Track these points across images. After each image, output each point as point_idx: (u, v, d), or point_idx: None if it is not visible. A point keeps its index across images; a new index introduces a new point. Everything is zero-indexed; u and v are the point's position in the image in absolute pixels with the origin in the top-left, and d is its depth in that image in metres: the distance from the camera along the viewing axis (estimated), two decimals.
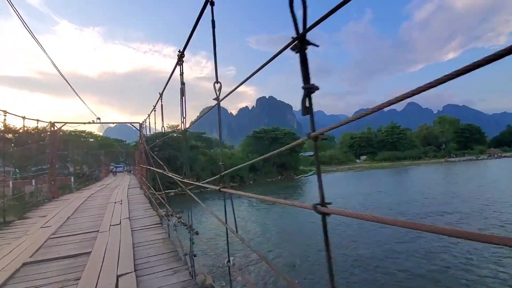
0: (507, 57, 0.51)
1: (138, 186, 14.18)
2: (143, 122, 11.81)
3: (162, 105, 7.27)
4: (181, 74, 3.71)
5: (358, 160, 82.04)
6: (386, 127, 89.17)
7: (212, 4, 2.22)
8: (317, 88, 1.04)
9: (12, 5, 5.61)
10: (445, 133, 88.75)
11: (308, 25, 1.04)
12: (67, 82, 10.30)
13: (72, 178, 30.01)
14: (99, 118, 14.37)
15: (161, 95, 7.03)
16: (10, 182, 23.97)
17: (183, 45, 3.34)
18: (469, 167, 55.92)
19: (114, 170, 34.05)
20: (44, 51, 7.31)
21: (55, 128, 10.31)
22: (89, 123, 10.97)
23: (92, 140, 38.14)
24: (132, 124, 11.80)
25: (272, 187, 41.44)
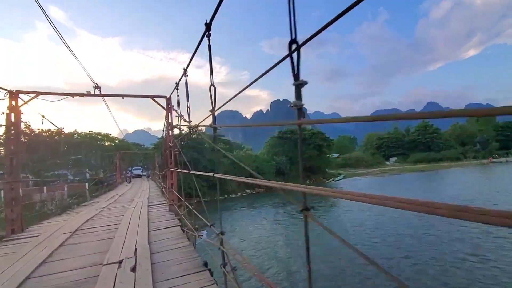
0: None
1: (164, 201, 10.57)
2: (170, 97, 8.14)
3: (187, 84, 5.09)
4: (209, 47, 2.95)
5: (387, 162, 76.09)
6: (418, 126, 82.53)
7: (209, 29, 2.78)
8: (306, 83, 1.33)
9: (47, 16, 5.37)
10: (483, 131, 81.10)
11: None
12: (93, 81, 7.79)
13: (87, 184, 27.31)
14: (99, 88, 8.77)
15: (185, 70, 5.25)
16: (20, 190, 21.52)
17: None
18: None
19: (129, 175, 30.57)
20: (77, 59, 6.99)
21: (18, 102, 6.44)
22: (81, 95, 7.38)
23: (108, 143, 35.48)
24: (155, 99, 8.10)
25: (299, 193, 37.04)
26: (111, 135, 35.31)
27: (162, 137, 19.11)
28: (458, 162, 67.20)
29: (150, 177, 37.84)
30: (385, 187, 37.02)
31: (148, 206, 9.37)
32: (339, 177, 50.84)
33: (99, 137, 33.29)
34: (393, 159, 78.04)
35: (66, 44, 6.24)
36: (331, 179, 48.93)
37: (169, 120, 7.91)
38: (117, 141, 35.66)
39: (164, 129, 8.49)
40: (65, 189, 25.39)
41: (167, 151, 7.91)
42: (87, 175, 34.36)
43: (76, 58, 6.95)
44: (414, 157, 72.13)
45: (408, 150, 77.64)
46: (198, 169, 34.55)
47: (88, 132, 33.62)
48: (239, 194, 37.21)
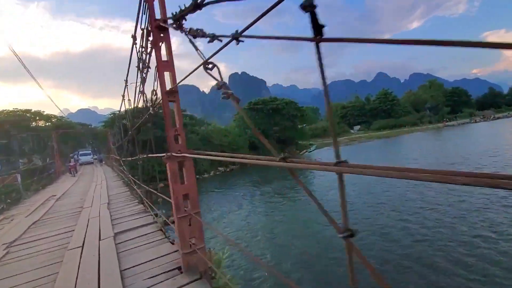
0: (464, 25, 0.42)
1: (135, 200, 6.57)
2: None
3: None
4: None
5: (352, 131, 77.68)
6: (378, 95, 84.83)
7: None
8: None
9: None
10: (434, 97, 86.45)
11: None
12: (19, 59, 7.83)
13: (19, 176, 21.44)
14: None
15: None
16: None
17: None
18: (472, 129, 53.01)
19: (73, 163, 23.94)
20: None
21: None
22: None
23: (43, 122, 28.17)
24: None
25: (275, 169, 34.46)
26: (45, 113, 27.84)
27: (119, 111, 14.19)
28: (416, 127, 70.84)
29: (103, 161, 31.91)
30: (359, 154, 36.28)
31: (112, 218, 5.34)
32: (311, 148, 49.57)
33: (28, 115, 25.88)
34: (357, 127, 79.87)
35: None
36: (304, 150, 47.38)
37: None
38: (54, 120, 28.42)
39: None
40: None
41: None
42: (19, 164, 27.33)
43: None
44: (376, 124, 74.31)
45: (371, 118, 79.83)
46: (164, 149, 29.65)
47: (13, 110, 26.06)
48: (211, 173, 33.45)
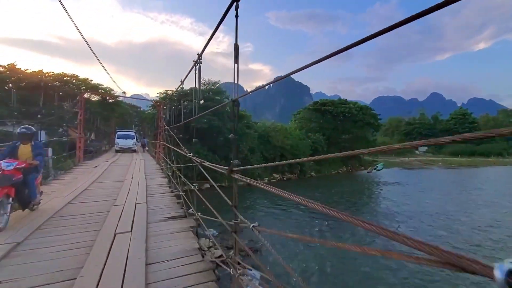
0: None
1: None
2: None
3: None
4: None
5: (417, 151, 66.96)
6: (454, 114, 72.61)
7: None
8: None
9: None
10: None
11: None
12: (90, 49, 7.65)
13: (50, 150, 17.51)
14: (124, 92, 13.79)
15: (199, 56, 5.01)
16: None
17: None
18: None
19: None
20: (69, 15, 6.27)
21: None
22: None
23: (89, 94, 24.45)
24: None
25: (337, 185, 27.41)
26: (92, 81, 23.99)
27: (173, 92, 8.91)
28: (502, 158, 58.28)
29: (146, 147, 27.54)
30: (466, 184, 27.69)
31: None
32: (379, 167, 41.33)
33: (74, 81, 22.13)
34: (423, 148, 68.80)
35: (61, 2, 5.63)
36: (371, 168, 39.40)
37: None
38: (102, 91, 24.58)
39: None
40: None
41: None
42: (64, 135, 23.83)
43: (70, 18, 6.32)
44: (451, 148, 62.80)
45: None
46: (218, 142, 24.57)
47: (60, 73, 22.64)
48: (266, 179, 27.58)
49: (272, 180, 28.02)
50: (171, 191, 6.01)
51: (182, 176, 5.66)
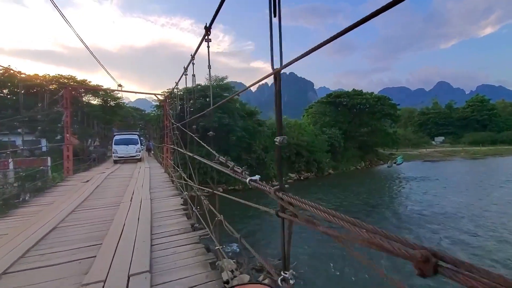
0: None
1: None
2: None
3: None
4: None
5: (433, 142, 64.02)
6: (470, 101, 69.18)
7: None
8: None
9: None
10: None
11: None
12: (90, 52, 8.70)
13: (49, 160, 16.39)
14: (120, 85, 13.08)
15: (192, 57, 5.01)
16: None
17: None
18: None
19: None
20: (69, 24, 7.12)
21: None
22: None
23: (93, 99, 22.55)
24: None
25: (357, 183, 25.02)
26: (91, 83, 22.07)
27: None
28: None
29: (152, 151, 25.68)
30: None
31: None
32: (398, 160, 38.85)
33: (72, 83, 20.21)
34: (440, 138, 65.78)
35: (60, 12, 6.47)
36: (390, 162, 36.98)
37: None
38: (102, 92, 22.68)
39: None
40: (11, 166, 13.86)
41: None
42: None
43: (70, 26, 7.11)
44: (470, 137, 59.70)
45: (459, 129, 65.09)
46: (230, 140, 22.58)
47: (56, 75, 20.88)
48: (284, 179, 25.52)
49: (289, 181, 25.91)
50: (191, 225, 3.97)
51: (207, 202, 3.65)
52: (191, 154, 4.22)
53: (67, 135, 10.57)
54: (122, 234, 3.53)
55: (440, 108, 76.92)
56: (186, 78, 6.07)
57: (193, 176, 5.00)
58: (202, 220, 3.95)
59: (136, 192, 6.03)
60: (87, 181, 7.82)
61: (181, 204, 5.14)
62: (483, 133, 60.16)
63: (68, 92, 10.62)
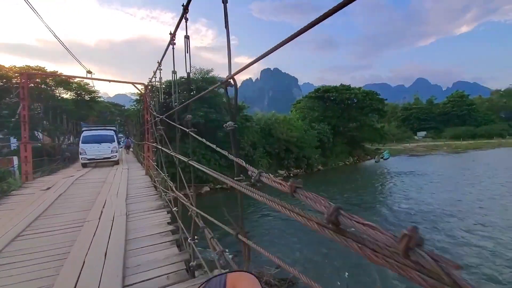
0: None
1: None
2: None
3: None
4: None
5: (416, 137, 65.41)
6: (450, 97, 71.16)
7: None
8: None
9: None
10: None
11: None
12: (58, 39, 8.34)
13: (16, 159, 15.08)
14: (90, 72, 11.43)
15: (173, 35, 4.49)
16: None
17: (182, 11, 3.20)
18: None
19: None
20: (36, 13, 6.88)
21: None
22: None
23: (60, 91, 20.59)
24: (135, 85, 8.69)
25: (346, 178, 24.77)
26: (62, 74, 20.06)
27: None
28: (506, 139, 57.15)
29: (131, 148, 23.99)
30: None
31: None
32: (385, 155, 39.01)
33: (49, 82, 18.15)
34: (422, 133, 67.32)
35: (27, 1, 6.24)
36: (377, 157, 37.02)
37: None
38: (75, 85, 20.56)
39: None
40: None
41: None
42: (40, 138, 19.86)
43: (38, 15, 6.83)
44: (451, 131, 61.39)
45: (440, 124, 66.84)
46: (217, 137, 21.35)
47: (25, 66, 18.77)
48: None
49: (277, 177, 25.06)
50: (185, 262, 2.82)
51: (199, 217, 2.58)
52: (185, 160, 3.14)
53: (24, 131, 9.01)
54: None
55: (422, 103, 78.89)
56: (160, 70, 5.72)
57: (184, 182, 3.90)
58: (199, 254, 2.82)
59: (108, 204, 4.79)
60: (48, 188, 6.39)
61: (167, 222, 4.00)
62: (463, 127, 62.05)
63: (25, 79, 9.06)
